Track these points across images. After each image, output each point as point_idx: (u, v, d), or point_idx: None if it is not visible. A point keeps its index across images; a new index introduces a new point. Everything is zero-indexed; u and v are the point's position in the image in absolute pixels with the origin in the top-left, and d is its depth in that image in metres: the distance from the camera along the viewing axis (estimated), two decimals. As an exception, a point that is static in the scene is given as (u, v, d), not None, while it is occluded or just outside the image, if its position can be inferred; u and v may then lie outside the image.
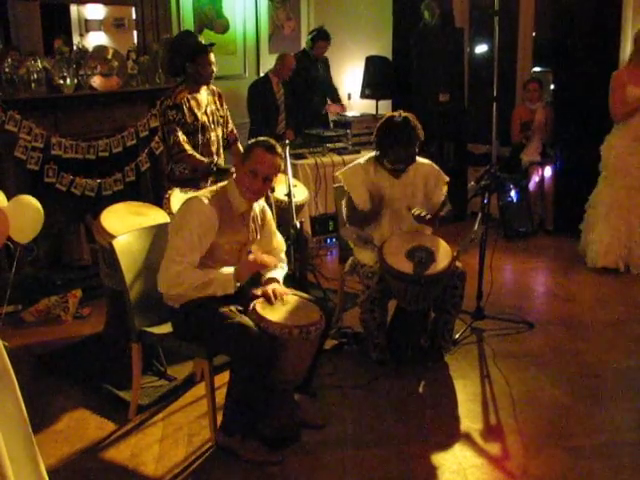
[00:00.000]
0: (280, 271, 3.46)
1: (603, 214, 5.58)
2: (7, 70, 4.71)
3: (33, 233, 4.02)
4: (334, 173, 4.39)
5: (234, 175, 3.36)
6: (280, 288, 3.31)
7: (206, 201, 3.13)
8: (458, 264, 3.88)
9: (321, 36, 6.79)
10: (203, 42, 4.84)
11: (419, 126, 3.92)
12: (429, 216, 3.84)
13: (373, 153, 4.09)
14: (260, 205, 3.43)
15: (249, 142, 3.29)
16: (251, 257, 3.23)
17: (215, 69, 4.60)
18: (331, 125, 7.04)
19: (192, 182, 4.48)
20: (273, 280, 3.34)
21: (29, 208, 3.96)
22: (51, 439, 3.29)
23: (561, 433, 3.30)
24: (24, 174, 4.90)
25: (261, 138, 3.27)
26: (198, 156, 4.47)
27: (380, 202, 3.96)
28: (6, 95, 4.70)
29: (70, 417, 3.50)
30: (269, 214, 3.51)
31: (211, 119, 4.64)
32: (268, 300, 3.20)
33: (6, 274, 4.56)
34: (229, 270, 3.15)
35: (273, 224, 3.54)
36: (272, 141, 3.24)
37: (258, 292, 3.28)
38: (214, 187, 3.31)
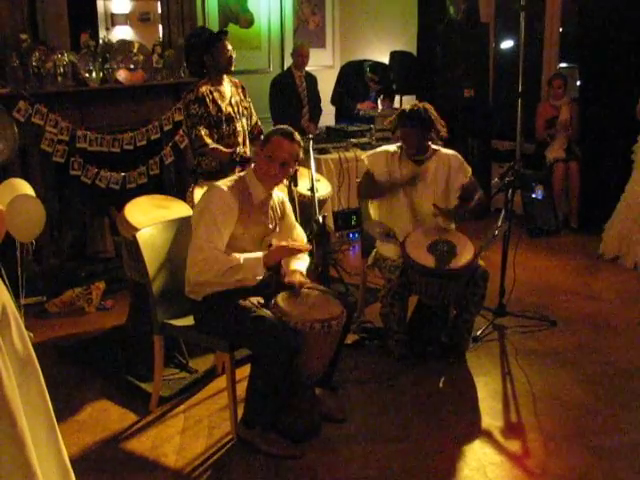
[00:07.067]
0: (303, 263, 3.46)
1: (619, 208, 5.58)
2: (34, 64, 4.76)
3: (34, 233, 4.03)
4: (357, 168, 4.38)
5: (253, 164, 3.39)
6: (304, 279, 3.32)
7: (226, 189, 3.17)
8: (481, 262, 3.86)
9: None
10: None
11: (430, 109, 3.94)
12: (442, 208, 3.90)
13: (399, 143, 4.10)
14: (280, 197, 3.45)
15: (270, 130, 3.34)
16: (283, 242, 3.25)
17: (234, 56, 4.58)
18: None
19: (219, 174, 4.48)
20: (297, 271, 3.35)
21: (28, 209, 3.96)
22: (73, 429, 3.32)
23: (583, 432, 3.27)
24: (50, 167, 4.95)
25: (281, 126, 3.33)
26: (221, 148, 4.46)
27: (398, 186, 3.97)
28: (33, 89, 4.75)
29: (92, 408, 3.53)
30: (288, 207, 3.51)
31: (236, 110, 4.65)
32: (293, 289, 3.22)
33: (30, 266, 4.60)
34: (257, 254, 3.15)
35: (293, 216, 3.55)
36: (291, 129, 3.28)
37: (285, 280, 3.29)
38: (233, 177, 3.34)
